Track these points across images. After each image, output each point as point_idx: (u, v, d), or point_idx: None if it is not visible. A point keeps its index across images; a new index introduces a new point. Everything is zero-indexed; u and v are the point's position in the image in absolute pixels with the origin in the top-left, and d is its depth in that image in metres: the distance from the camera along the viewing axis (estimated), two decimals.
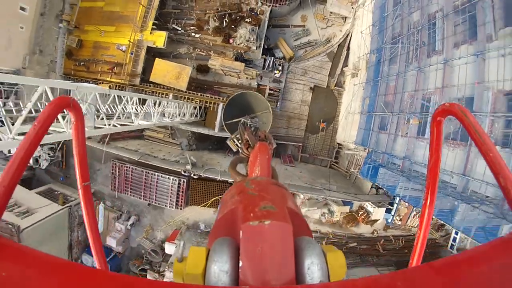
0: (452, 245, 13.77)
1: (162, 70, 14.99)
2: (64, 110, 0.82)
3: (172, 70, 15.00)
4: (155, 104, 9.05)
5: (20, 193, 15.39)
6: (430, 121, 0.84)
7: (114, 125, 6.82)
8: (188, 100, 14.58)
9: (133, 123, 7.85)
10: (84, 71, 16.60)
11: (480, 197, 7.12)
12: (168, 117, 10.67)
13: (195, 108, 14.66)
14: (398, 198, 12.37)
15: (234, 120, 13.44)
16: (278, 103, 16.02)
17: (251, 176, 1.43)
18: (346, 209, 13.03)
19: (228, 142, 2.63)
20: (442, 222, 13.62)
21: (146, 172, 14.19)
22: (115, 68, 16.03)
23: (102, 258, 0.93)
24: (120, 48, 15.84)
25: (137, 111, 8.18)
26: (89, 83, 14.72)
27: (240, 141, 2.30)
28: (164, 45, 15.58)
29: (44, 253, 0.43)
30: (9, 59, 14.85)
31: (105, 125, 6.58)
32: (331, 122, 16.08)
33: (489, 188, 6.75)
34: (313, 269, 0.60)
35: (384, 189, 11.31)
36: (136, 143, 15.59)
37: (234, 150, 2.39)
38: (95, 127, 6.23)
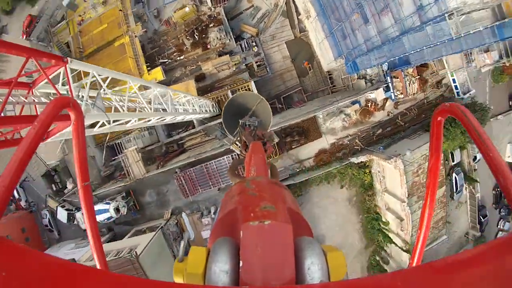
0: (457, 92, 16.62)
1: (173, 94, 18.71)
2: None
3: (180, 88, 18.70)
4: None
5: (117, 245, 18.22)
6: (431, 121, 0.97)
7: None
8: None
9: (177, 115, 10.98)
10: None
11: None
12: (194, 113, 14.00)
13: (213, 105, 18.25)
14: (388, 77, 15.68)
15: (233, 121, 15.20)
16: (267, 68, 19.59)
17: (250, 177, 1.44)
18: (356, 106, 16.31)
19: (231, 147, 2.56)
20: (437, 80, 16.81)
21: (204, 165, 17.68)
22: None
23: (102, 258, 0.93)
24: None
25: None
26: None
27: (239, 143, 2.11)
28: (163, 76, 19.42)
29: (44, 253, 0.43)
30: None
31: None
32: (313, 59, 19.55)
33: None
34: (313, 269, 0.60)
35: (367, 72, 14.91)
36: (184, 156, 19.15)
37: (238, 152, 2.33)
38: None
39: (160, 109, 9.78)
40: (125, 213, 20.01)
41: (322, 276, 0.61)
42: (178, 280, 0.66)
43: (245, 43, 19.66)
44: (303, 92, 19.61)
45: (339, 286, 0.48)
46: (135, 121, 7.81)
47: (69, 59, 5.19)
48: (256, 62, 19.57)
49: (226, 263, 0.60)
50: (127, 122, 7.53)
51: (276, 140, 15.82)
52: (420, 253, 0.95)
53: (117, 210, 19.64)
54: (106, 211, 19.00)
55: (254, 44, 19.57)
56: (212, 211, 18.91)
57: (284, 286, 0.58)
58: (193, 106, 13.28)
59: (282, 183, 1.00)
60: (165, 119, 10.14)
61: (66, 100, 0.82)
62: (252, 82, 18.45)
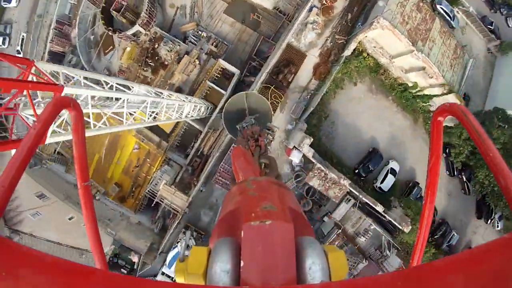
0: None
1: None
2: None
3: None
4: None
5: None
6: (431, 121, 0.93)
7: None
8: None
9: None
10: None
11: None
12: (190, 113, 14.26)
13: (203, 102, 18.56)
14: None
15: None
16: (224, 42, 20.10)
17: (251, 177, 1.42)
18: (315, 10, 16.51)
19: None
20: None
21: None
22: (148, 159, 20.26)
23: (102, 258, 0.92)
24: (135, 149, 20.18)
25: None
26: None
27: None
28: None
29: (44, 253, 0.43)
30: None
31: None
32: (255, 9, 20.08)
33: None
34: (314, 269, 0.61)
35: None
36: (210, 160, 19.17)
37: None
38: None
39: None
40: (194, 244, 19.78)
41: (323, 276, 0.61)
42: (180, 280, 0.66)
43: (193, 38, 20.34)
44: (267, 39, 19.95)
45: (340, 286, 0.48)
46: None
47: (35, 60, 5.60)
48: (212, 44, 20.10)
49: (227, 263, 0.60)
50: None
51: (276, 129, 14.52)
52: (420, 253, 0.95)
53: (187, 247, 19.42)
54: (178, 254, 18.85)
55: (200, 33, 20.24)
56: None
57: (285, 286, 0.58)
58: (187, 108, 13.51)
59: (283, 183, 1.02)
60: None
61: (66, 100, 0.82)
62: (221, 60, 18.88)
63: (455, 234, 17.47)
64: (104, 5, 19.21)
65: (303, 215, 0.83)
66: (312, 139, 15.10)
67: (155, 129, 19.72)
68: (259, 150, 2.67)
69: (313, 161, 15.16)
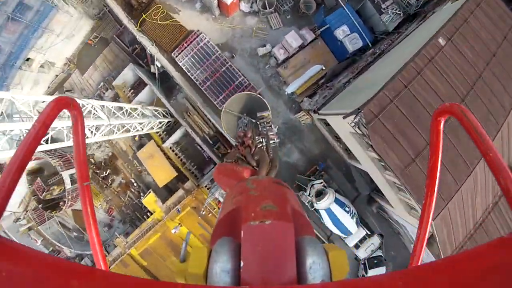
0: None
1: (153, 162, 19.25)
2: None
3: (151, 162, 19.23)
4: None
5: None
6: (431, 121, 0.92)
7: None
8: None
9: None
10: None
11: None
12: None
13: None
14: None
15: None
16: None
17: (251, 177, 1.44)
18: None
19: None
20: None
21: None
22: None
23: (102, 258, 0.93)
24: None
25: None
26: None
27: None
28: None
29: (44, 253, 0.43)
30: None
31: None
32: None
33: None
34: (315, 268, 0.60)
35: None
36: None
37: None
38: None
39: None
40: None
41: (324, 276, 0.61)
42: (180, 280, 0.66)
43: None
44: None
45: (340, 286, 0.48)
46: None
47: None
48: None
49: (227, 262, 0.60)
50: None
51: (268, 112, 14.29)
52: (420, 253, 0.95)
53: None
54: None
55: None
56: None
57: (286, 286, 0.58)
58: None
59: (284, 182, 1.01)
60: None
61: (66, 100, 0.82)
62: None
63: None
64: None
65: (304, 214, 0.83)
66: None
67: None
68: (249, 150, 2.70)
69: None
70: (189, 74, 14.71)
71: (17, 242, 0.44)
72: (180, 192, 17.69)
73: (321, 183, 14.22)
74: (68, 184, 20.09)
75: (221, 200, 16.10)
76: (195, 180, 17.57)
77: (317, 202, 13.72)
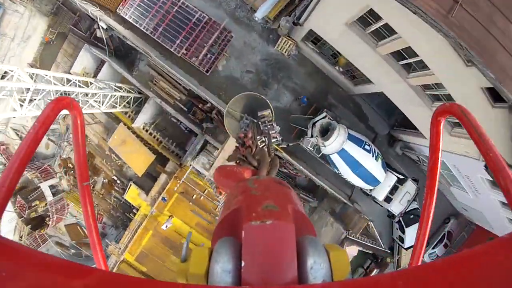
0: None
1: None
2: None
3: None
4: None
5: None
6: (430, 121, 0.97)
7: None
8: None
9: None
10: None
11: None
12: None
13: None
14: None
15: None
16: None
17: (252, 176, 1.45)
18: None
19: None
20: None
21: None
22: None
23: (102, 258, 0.94)
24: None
25: None
26: None
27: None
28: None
29: (44, 253, 0.43)
30: None
31: None
32: None
33: None
34: (316, 269, 0.60)
35: None
36: None
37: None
38: None
39: None
40: None
41: (325, 276, 0.61)
42: (181, 280, 0.65)
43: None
44: None
45: (340, 286, 0.48)
46: None
47: None
48: None
49: (228, 262, 0.59)
50: None
51: (269, 111, 11.96)
52: (420, 253, 0.94)
53: None
54: None
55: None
56: None
57: (287, 286, 0.57)
58: None
59: (286, 182, 0.96)
60: None
61: (66, 100, 0.82)
62: None
63: None
64: None
65: (305, 215, 0.78)
66: None
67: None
68: (250, 151, 2.53)
69: None
70: (138, 25, 12.15)
71: (17, 242, 0.44)
72: (163, 178, 14.96)
73: (325, 116, 10.75)
74: (49, 196, 18.11)
75: (202, 171, 13.16)
76: (177, 159, 14.75)
77: (325, 144, 10.21)
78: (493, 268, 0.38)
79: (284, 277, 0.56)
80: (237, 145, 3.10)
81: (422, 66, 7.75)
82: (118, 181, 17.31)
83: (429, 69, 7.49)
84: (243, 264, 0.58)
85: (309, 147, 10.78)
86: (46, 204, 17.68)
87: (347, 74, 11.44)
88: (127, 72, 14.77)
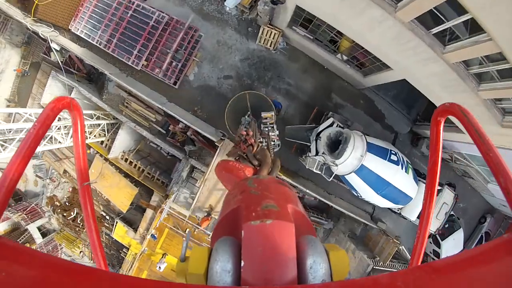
0: None
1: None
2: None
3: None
4: None
5: None
6: (431, 121, 0.81)
7: None
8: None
9: None
10: None
11: None
12: None
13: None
14: None
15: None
16: None
17: (252, 176, 1.43)
18: None
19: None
20: None
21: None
22: None
23: (102, 258, 0.92)
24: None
25: None
26: None
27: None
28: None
29: (44, 253, 0.43)
30: None
31: None
32: None
33: None
34: (315, 268, 0.59)
35: None
36: None
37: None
38: None
39: None
40: None
41: (324, 276, 0.60)
42: (181, 280, 0.65)
43: None
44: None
45: (340, 286, 0.48)
46: None
47: None
48: None
49: (228, 262, 0.59)
50: None
51: (271, 113, 10.85)
52: (419, 253, 0.94)
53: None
54: None
55: None
56: None
57: (286, 286, 0.57)
58: None
59: (285, 182, 0.97)
60: None
61: (66, 100, 0.81)
62: None
63: None
64: None
65: (305, 215, 0.78)
66: None
67: None
68: (251, 149, 2.49)
69: None
70: (91, 40, 10.17)
71: (18, 242, 0.44)
72: (149, 212, 12.89)
73: (332, 123, 8.04)
74: (38, 238, 16.73)
75: (182, 211, 10.94)
76: (162, 190, 12.63)
77: (337, 163, 7.53)
78: (494, 268, 0.38)
79: (284, 277, 0.56)
80: (238, 141, 2.96)
81: (471, 29, 5.02)
82: (107, 217, 15.55)
83: (484, 33, 4.76)
84: (242, 263, 0.57)
85: (315, 169, 8.13)
86: (35, 247, 16.28)
87: (352, 62, 8.71)
88: (97, 97, 12.92)
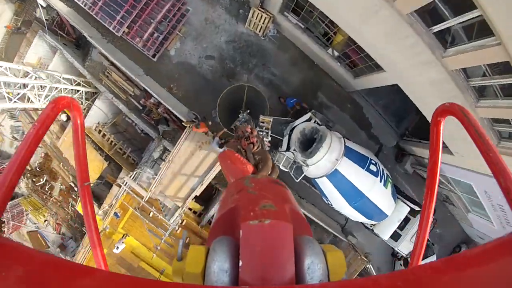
0: None
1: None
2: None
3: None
4: None
5: None
6: (430, 121, 0.72)
7: None
8: None
9: None
10: None
11: None
12: None
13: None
14: None
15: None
16: None
17: (249, 175, 1.43)
18: None
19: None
20: None
21: None
22: None
23: (102, 258, 0.92)
24: None
25: None
26: None
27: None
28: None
29: (44, 252, 0.43)
30: None
31: None
32: None
33: None
34: (313, 269, 0.59)
35: None
36: None
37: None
38: None
39: None
40: None
41: (322, 276, 0.61)
42: (177, 279, 0.65)
43: None
44: None
45: (339, 286, 0.48)
46: None
47: None
48: None
49: (225, 262, 0.59)
50: None
51: (269, 119, 9.70)
52: (419, 253, 0.95)
53: None
54: None
55: None
56: None
57: (284, 286, 0.57)
58: None
59: (282, 182, 0.94)
60: None
61: (66, 100, 0.81)
62: None
63: None
64: None
65: (302, 215, 0.79)
66: None
67: None
68: (251, 147, 2.48)
69: None
70: (76, 0, 9.53)
71: (16, 242, 0.44)
72: (115, 189, 12.29)
73: (310, 119, 7.45)
74: None
75: (140, 191, 10.30)
76: (131, 167, 12.04)
77: (308, 162, 6.93)
78: (493, 269, 0.38)
79: (281, 277, 0.56)
80: (239, 137, 2.95)
81: (478, 30, 4.42)
82: (76, 188, 14.98)
83: (492, 36, 4.16)
84: (240, 263, 0.57)
85: (282, 166, 7.52)
86: None
87: (344, 60, 8.08)
88: (80, 63, 12.28)
